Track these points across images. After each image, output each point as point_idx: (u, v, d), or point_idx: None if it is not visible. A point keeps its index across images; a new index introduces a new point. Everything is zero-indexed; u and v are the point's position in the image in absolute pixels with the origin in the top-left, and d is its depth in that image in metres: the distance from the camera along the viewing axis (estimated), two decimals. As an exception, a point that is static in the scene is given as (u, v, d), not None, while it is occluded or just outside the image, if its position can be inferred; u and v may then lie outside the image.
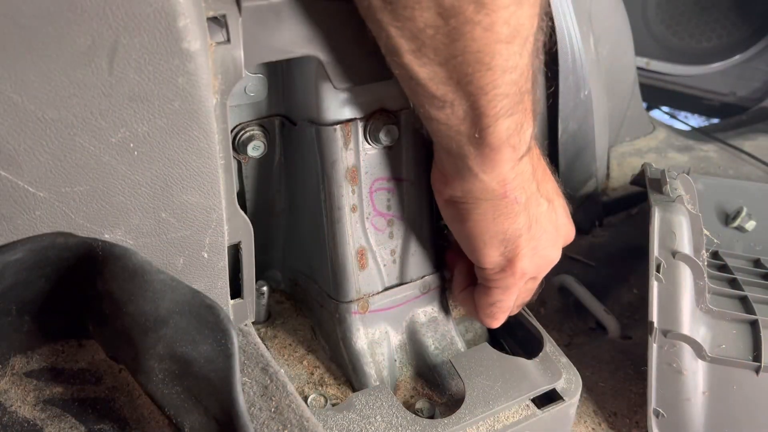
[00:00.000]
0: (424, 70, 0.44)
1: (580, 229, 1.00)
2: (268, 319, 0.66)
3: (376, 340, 0.61)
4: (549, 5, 0.47)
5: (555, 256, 0.58)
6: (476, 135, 0.47)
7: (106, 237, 0.43)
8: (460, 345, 0.63)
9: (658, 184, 0.72)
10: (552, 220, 0.56)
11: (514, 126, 0.47)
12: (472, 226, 0.53)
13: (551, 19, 0.47)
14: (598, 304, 0.83)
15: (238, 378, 0.40)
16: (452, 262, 0.63)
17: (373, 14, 0.42)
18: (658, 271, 0.64)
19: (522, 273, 0.55)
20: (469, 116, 0.46)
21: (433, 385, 0.61)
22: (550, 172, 0.57)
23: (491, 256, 0.54)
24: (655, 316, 0.63)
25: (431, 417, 0.58)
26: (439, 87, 0.45)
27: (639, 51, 1.35)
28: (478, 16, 0.40)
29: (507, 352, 0.64)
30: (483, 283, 0.58)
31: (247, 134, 0.54)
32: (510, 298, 0.58)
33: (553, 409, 0.58)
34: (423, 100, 0.46)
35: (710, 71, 1.47)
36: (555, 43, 0.83)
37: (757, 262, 0.80)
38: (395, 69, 0.46)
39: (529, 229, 0.54)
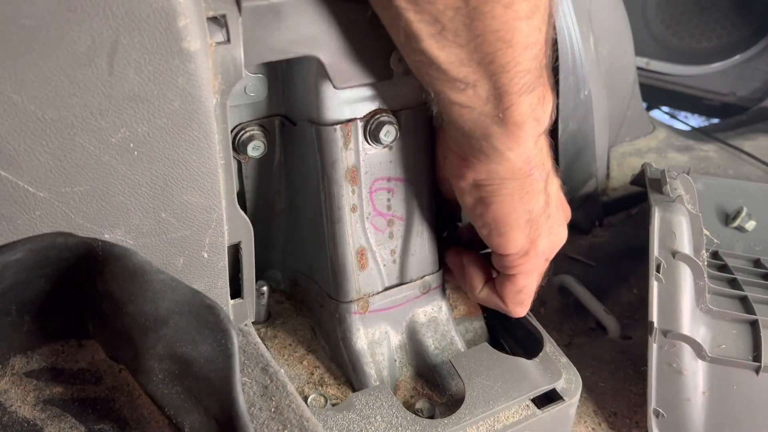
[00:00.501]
0: (444, 54, 0.44)
1: (580, 229, 1.00)
2: (268, 319, 0.66)
3: (376, 340, 0.61)
4: None
5: (564, 235, 0.58)
6: (500, 114, 0.47)
7: (106, 237, 0.43)
8: (460, 345, 0.63)
9: (658, 184, 0.72)
10: (561, 198, 0.56)
11: (536, 100, 0.47)
12: (498, 207, 0.53)
13: None
14: (598, 304, 0.83)
15: (238, 378, 0.40)
16: (456, 264, 0.63)
17: (390, 2, 0.42)
18: (658, 271, 0.64)
19: (542, 254, 0.56)
20: (492, 96, 0.46)
21: (433, 385, 0.61)
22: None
23: (517, 240, 0.54)
24: (655, 316, 0.63)
25: (431, 417, 0.58)
26: (460, 69, 0.44)
27: (639, 51, 1.35)
28: None
29: (507, 352, 0.64)
30: (505, 272, 0.58)
31: (247, 134, 0.54)
32: (534, 281, 0.58)
33: (553, 409, 0.58)
34: (444, 85, 0.46)
35: (710, 71, 1.48)
36: (555, 40, 0.83)
37: (757, 262, 0.80)
38: (414, 57, 0.45)
39: (546, 208, 0.54)
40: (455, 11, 0.41)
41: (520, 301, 0.59)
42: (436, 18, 0.42)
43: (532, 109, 0.47)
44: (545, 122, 0.49)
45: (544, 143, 0.51)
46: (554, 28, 0.48)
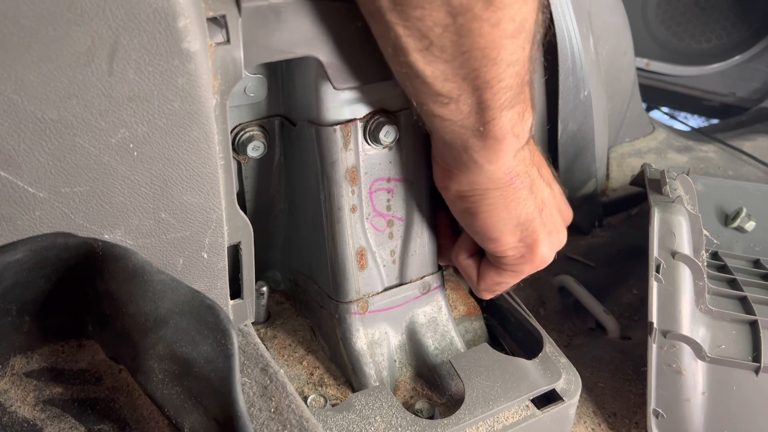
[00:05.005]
0: (430, 68, 0.44)
1: (580, 230, 1.00)
2: (267, 319, 0.66)
3: (376, 340, 0.61)
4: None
5: (564, 239, 0.58)
6: (480, 128, 0.47)
7: (106, 237, 0.43)
8: (460, 345, 0.63)
9: (658, 185, 0.72)
10: (556, 204, 0.57)
11: (516, 116, 0.48)
12: (485, 216, 0.54)
13: (548, 9, 0.47)
14: (598, 304, 0.83)
15: (238, 378, 0.40)
16: (445, 226, 0.62)
17: (381, 16, 0.43)
18: (657, 271, 0.64)
19: (542, 259, 0.56)
20: (474, 110, 0.46)
21: (432, 386, 0.62)
22: (544, 159, 0.58)
23: (509, 243, 0.55)
24: (654, 316, 0.63)
25: (431, 417, 0.58)
26: (444, 84, 0.45)
27: (639, 51, 1.35)
28: (486, 13, 0.41)
29: (507, 353, 0.64)
30: (496, 264, 0.58)
31: (247, 135, 0.54)
32: (517, 280, 0.59)
33: (552, 410, 0.58)
34: (427, 98, 0.47)
35: (710, 72, 1.48)
36: (554, 41, 0.83)
37: (756, 263, 0.80)
38: (400, 68, 0.46)
39: (540, 213, 0.54)
40: (443, 28, 0.42)
41: (493, 290, 0.61)
42: (424, 34, 0.42)
43: (512, 125, 0.48)
44: (524, 138, 0.50)
45: (526, 154, 0.52)
46: (543, 42, 0.49)
